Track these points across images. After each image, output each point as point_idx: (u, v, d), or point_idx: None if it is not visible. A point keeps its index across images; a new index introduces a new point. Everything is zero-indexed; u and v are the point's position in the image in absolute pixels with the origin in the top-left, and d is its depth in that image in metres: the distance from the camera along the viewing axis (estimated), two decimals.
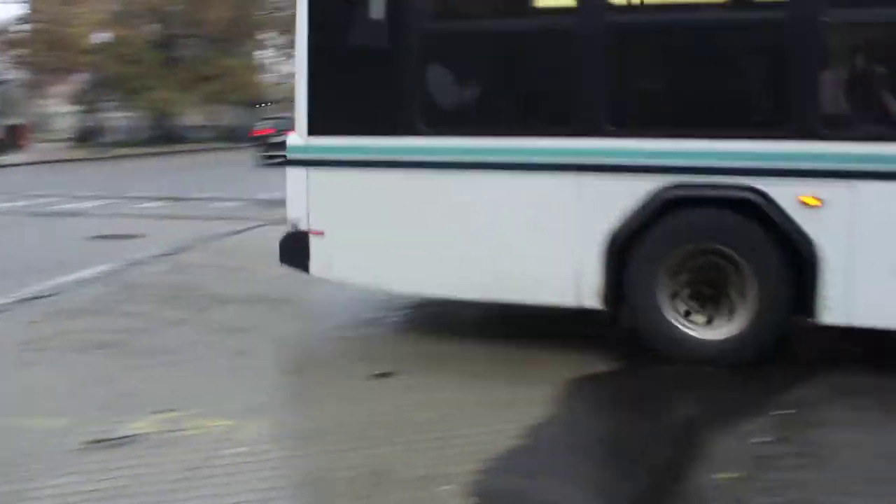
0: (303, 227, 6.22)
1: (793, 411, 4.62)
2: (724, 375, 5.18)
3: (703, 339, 5.48)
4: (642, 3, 6.61)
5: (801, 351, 5.86)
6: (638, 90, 6.00)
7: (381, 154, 6.10)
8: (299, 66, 6.25)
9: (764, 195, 5.18)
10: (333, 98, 6.24)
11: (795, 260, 5.16)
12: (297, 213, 6.25)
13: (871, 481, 3.75)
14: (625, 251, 5.47)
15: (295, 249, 6.26)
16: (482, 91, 6.35)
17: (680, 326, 5.51)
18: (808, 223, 5.09)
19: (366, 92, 6.20)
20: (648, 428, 4.44)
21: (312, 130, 6.20)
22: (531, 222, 5.69)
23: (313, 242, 6.19)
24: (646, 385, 5.20)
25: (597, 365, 5.44)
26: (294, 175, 6.30)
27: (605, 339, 5.86)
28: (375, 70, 6.21)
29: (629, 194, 5.44)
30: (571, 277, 5.59)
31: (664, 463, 4.02)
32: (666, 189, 5.38)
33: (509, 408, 4.63)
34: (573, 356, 5.56)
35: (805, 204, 5.11)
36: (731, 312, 5.44)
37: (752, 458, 4.01)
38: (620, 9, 6.17)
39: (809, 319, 5.17)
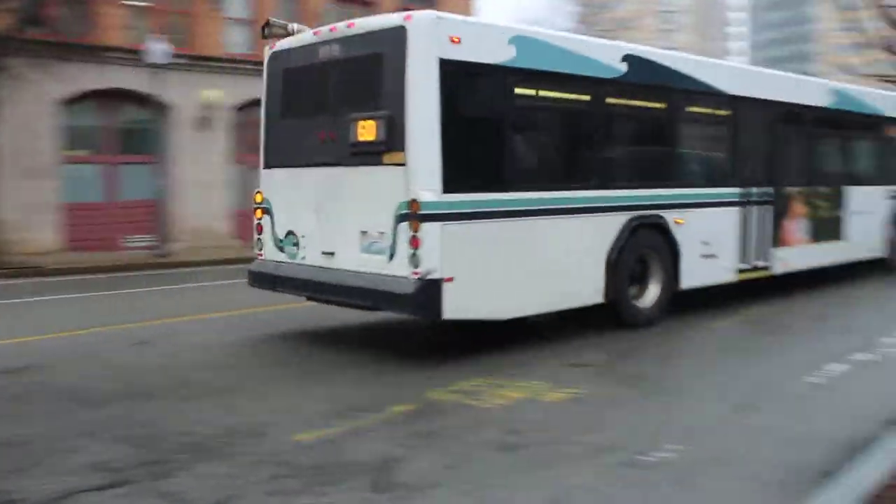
0: (436, 276, 7.00)
1: None
2: None
3: (644, 308, 9.15)
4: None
5: None
6: (621, 160, 9.14)
7: (498, 206, 7.49)
8: (420, 128, 7.03)
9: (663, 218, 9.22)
10: (466, 160, 7.27)
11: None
12: (432, 263, 6.99)
13: None
14: (616, 260, 8.63)
15: (429, 298, 7.01)
16: (545, 153, 8.46)
17: (636, 303, 9.09)
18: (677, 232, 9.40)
19: (490, 154, 7.57)
20: None
21: (448, 189, 7.07)
22: (577, 249, 8.31)
23: (446, 289, 7.02)
24: None
25: None
26: (429, 230, 6.99)
27: None
28: (499, 136, 7.64)
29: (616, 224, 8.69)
30: (594, 284, 8.50)
31: None
32: (633, 219, 8.84)
33: None
34: None
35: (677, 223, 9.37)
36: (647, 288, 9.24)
37: None
38: (615, 104, 9.00)
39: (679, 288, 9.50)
